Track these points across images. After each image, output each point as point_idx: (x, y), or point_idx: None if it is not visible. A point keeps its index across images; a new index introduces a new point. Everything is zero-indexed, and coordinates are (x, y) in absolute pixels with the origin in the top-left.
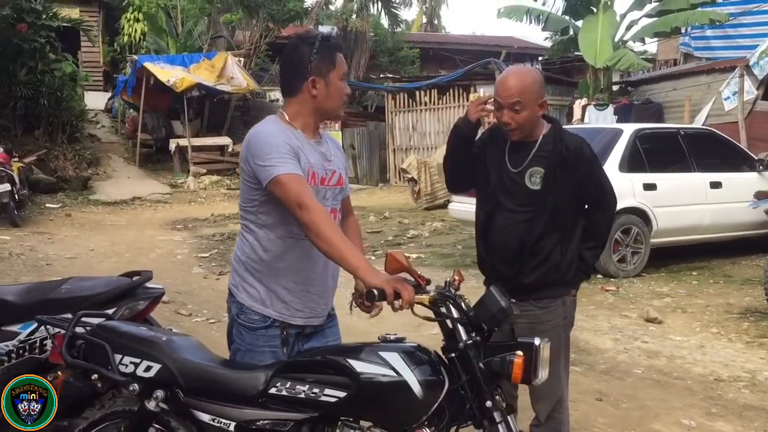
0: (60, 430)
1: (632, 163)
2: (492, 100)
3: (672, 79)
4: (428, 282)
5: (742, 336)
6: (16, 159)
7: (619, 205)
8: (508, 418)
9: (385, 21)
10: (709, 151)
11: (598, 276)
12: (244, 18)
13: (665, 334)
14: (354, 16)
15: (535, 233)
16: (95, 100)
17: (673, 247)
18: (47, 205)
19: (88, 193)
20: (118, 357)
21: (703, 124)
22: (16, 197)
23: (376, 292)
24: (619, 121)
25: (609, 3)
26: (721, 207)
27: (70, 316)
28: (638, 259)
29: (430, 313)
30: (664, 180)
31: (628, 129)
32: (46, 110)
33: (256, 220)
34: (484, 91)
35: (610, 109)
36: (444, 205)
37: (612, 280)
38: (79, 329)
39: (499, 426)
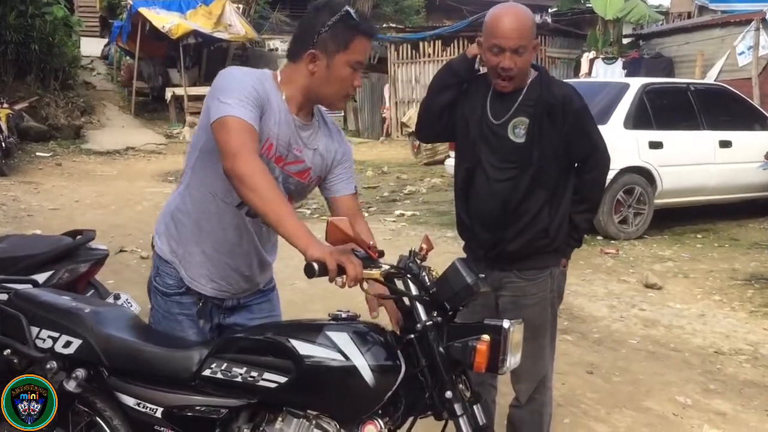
0: None
1: (638, 119)
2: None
3: (684, 32)
4: (381, 254)
5: (745, 305)
6: (4, 106)
7: (623, 164)
8: (474, 408)
9: None
10: (720, 109)
11: (598, 237)
12: None
13: (664, 301)
14: None
15: (519, 192)
16: (91, 47)
17: (678, 209)
18: (37, 153)
19: (81, 142)
20: (35, 330)
21: (715, 80)
22: (3, 145)
23: (315, 266)
24: (628, 75)
25: None
26: (730, 167)
27: None
28: (641, 220)
29: (385, 290)
30: (671, 138)
31: (635, 84)
32: (37, 56)
33: (195, 166)
34: None
35: (619, 63)
36: (444, 161)
37: (612, 242)
38: (1, 296)
39: (460, 420)
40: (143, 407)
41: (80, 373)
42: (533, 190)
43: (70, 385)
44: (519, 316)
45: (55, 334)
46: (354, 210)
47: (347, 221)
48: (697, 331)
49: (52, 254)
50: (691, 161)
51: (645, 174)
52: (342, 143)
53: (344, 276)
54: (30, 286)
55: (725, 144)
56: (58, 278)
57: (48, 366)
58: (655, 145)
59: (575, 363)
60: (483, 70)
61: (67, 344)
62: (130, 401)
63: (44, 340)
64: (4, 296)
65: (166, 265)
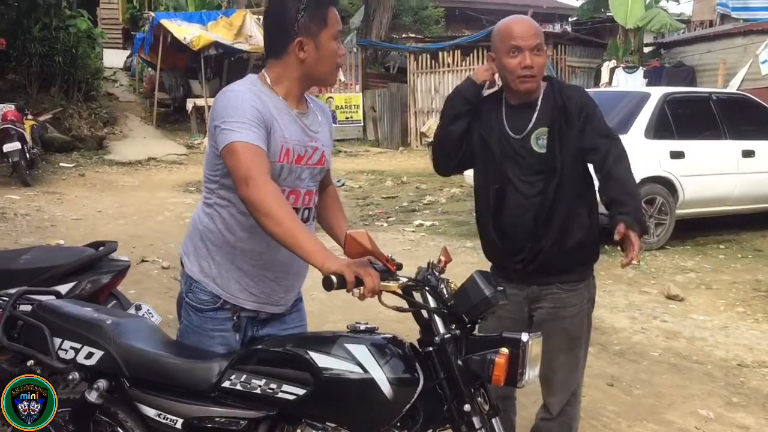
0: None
1: (659, 129)
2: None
3: (706, 40)
4: (399, 266)
5: None
6: (29, 117)
7: (644, 174)
8: (493, 421)
9: None
10: (743, 118)
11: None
12: None
13: (687, 312)
14: None
15: (548, 201)
16: (114, 58)
17: (701, 219)
18: (61, 164)
19: (103, 153)
20: (57, 341)
21: (737, 89)
22: (28, 156)
23: (334, 279)
24: (649, 84)
25: None
26: (754, 177)
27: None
28: (662, 231)
29: (403, 302)
30: (693, 147)
31: (656, 93)
32: (61, 68)
33: (218, 191)
34: None
35: (640, 71)
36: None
37: None
38: (25, 307)
39: None
40: (164, 418)
41: (102, 383)
42: (562, 196)
43: (92, 396)
44: (558, 328)
45: (78, 345)
46: (329, 179)
47: (366, 235)
48: (720, 344)
49: (75, 265)
50: (713, 171)
51: (666, 184)
52: (326, 119)
53: (362, 288)
54: (53, 297)
55: (748, 153)
56: (80, 289)
57: (70, 377)
58: (677, 155)
59: (596, 375)
60: (488, 92)
61: (89, 355)
62: (150, 412)
63: (67, 351)
64: (27, 307)
65: (198, 283)
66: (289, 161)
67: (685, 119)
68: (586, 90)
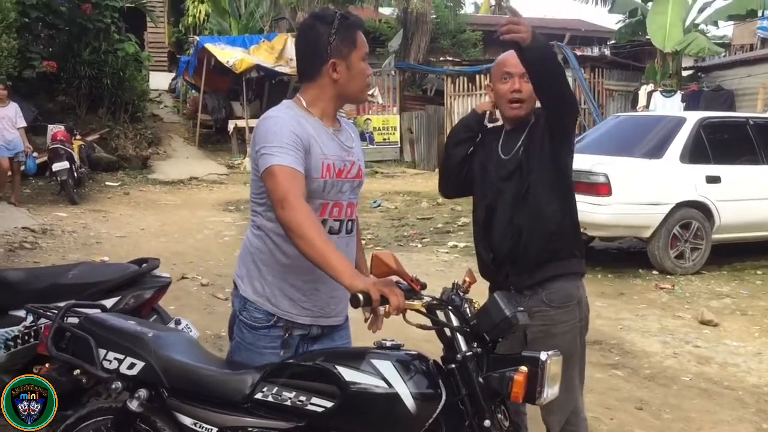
0: (50, 424)
1: (695, 153)
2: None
3: (746, 64)
4: (423, 286)
5: None
6: (77, 137)
7: (679, 198)
8: None
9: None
10: None
11: (653, 272)
12: None
13: (720, 338)
14: None
15: (521, 189)
16: (160, 81)
17: (738, 244)
18: (107, 183)
19: (147, 172)
20: (102, 352)
21: None
22: (75, 175)
23: (361, 297)
24: (686, 108)
25: None
26: None
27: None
28: (698, 255)
29: (426, 321)
30: (730, 172)
31: (692, 117)
32: (109, 90)
33: (265, 213)
34: None
35: (678, 95)
36: None
37: (668, 277)
38: (73, 320)
39: None
40: (200, 427)
41: (143, 393)
42: (533, 186)
43: (133, 405)
44: (549, 346)
45: (121, 356)
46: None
47: (392, 255)
48: (753, 370)
49: (119, 281)
50: (750, 196)
51: (702, 208)
52: (356, 137)
53: (387, 305)
54: (99, 310)
55: None
56: (124, 304)
57: (113, 386)
58: (713, 180)
59: (625, 399)
60: (491, 125)
61: (132, 366)
62: (187, 421)
63: (111, 361)
64: (75, 320)
65: (252, 303)
66: (331, 176)
67: (721, 144)
68: (625, 114)
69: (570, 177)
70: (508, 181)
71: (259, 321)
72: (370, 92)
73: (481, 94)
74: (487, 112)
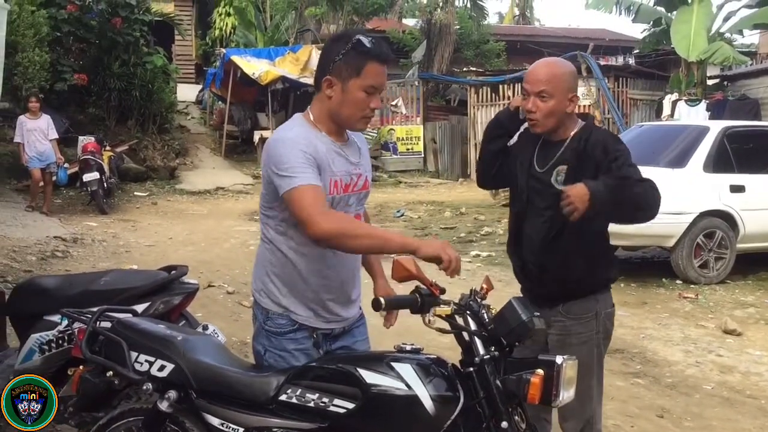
0: (83, 424)
1: (719, 163)
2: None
3: None
4: (443, 291)
5: None
6: (107, 148)
7: (702, 208)
8: None
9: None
10: None
11: (677, 282)
12: (329, 11)
13: (743, 347)
14: (439, 9)
15: (552, 231)
16: (187, 93)
17: (764, 254)
18: (135, 193)
19: (175, 183)
20: (134, 355)
21: None
22: (105, 185)
23: (382, 301)
24: (711, 117)
25: None
26: None
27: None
28: (722, 265)
29: (446, 325)
30: (754, 181)
31: (716, 127)
32: (137, 102)
33: (276, 226)
34: None
35: (703, 104)
36: None
37: (692, 286)
38: (105, 324)
39: None
40: (227, 427)
41: (172, 394)
42: (566, 231)
43: (163, 405)
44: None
45: (152, 359)
46: (367, 216)
47: (412, 260)
48: None
49: (149, 287)
50: None
51: (726, 218)
52: (364, 147)
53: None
54: (130, 315)
55: None
56: (154, 309)
57: (144, 387)
58: (737, 189)
59: (646, 407)
60: (523, 118)
61: (162, 368)
62: (215, 421)
63: (142, 363)
64: (107, 324)
65: (274, 313)
66: (339, 192)
67: (745, 153)
68: (648, 124)
69: None
70: (538, 195)
71: (284, 327)
72: (393, 103)
73: (504, 104)
74: (520, 108)
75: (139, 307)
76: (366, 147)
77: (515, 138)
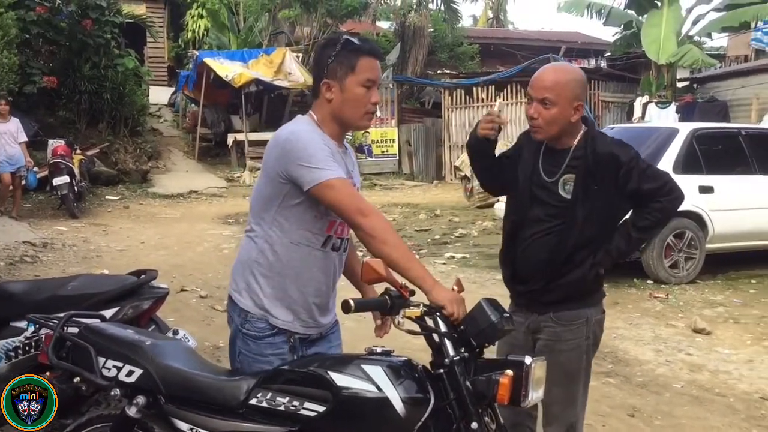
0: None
1: (688, 164)
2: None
3: (740, 76)
4: (412, 293)
5: None
6: (77, 152)
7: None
8: None
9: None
10: None
11: (648, 281)
12: (302, 14)
13: (712, 346)
14: (412, 12)
15: (566, 248)
16: (159, 95)
17: (733, 254)
18: (107, 197)
19: (147, 186)
20: (101, 360)
21: None
22: (76, 189)
23: (352, 303)
24: (681, 119)
25: None
26: None
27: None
28: (692, 265)
29: (416, 326)
30: (722, 182)
31: (685, 129)
32: (108, 104)
33: (273, 222)
34: None
35: (673, 107)
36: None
37: (663, 286)
38: (73, 329)
39: None
40: None
41: (140, 399)
42: (578, 246)
43: (131, 411)
44: (553, 361)
45: (120, 364)
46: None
47: (381, 262)
48: (744, 377)
49: (118, 292)
50: (743, 206)
51: (695, 218)
52: (355, 160)
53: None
54: (98, 320)
55: None
56: (123, 314)
57: (112, 393)
58: (706, 190)
59: (617, 406)
60: (500, 154)
61: (130, 373)
62: (184, 426)
63: (110, 369)
64: (74, 329)
65: (253, 315)
66: None
67: (714, 154)
68: (619, 126)
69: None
70: (541, 204)
71: (263, 330)
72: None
73: (478, 107)
74: (490, 140)
75: (108, 312)
76: (356, 162)
77: (514, 142)
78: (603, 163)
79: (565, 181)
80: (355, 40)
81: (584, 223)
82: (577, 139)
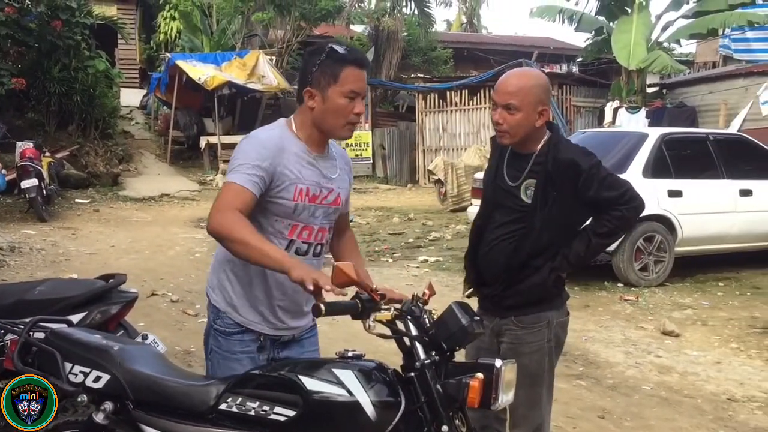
0: None
1: (657, 169)
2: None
3: (708, 82)
4: (383, 297)
5: (762, 352)
6: (46, 154)
7: (643, 212)
8: None
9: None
10: (740, 158)
11: (618, 284)
12: (276, 17)
13: (681, 348)
14: (386, 16)
15: (522, 254)
16: (131, 98)
17: (701, 257)
18: (77, 200)
19: (118, 189)
20: (68, 366)
21: (739, 129)
22: (44, 192)
23: (322, 307)
24: (651, 124)
25: (644, 3)
26: (752, 216)
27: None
28: (661, 268)
29: (387, 330)
30: (691, 187)
31: (654, 134)
32: (79, 107)
33: None
34: None
35: (643, 112)
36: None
37: (633, 289)
38: (39, 335)
39: None
40: None
41: (108, 405)
42: (535, 252)
43: (99, 417)
44: (517, 363)
45: (87, 370)
46: (347, 225)
47: (351, 266)
48: (712, 378)
49: (86, 296)
50: (711, 210)
51: (665, 222)
52: (346, 165)
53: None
54: (65, 325)
55: (746, 193)
56: (91, 319)
57: (79, 399)
58: (675, 194)
59: (588, 408)
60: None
61: (97, 379)
62: None
63: (77, 375)
64: (41, 335)
65: (224, 313)
66: (303, 200)
67: (682, 159)
68: (591, 131)
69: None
70: (503, 208)
71: (232, 327)
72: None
73: (451, 111)
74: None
75: (76, 317)
76: (349, 168)
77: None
78: (563, 169)
79: (527, 185)
80: (340, 49)
81: (542, 228)
82: (540, 145)
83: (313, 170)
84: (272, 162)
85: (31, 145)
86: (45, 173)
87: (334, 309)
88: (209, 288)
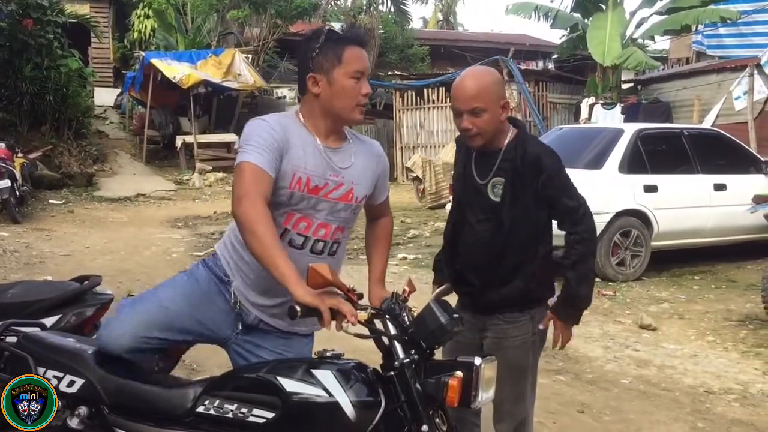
0: None
1: (633, 164)
2: None
3: (682, 77)
4: (360, 296)
5: (738, 345)
6: (19, 155)
7: (618, 207)
8: None
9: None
10: (714, 153)
11: (596, 279)
12: (251, 14)
13: (658, 341)
14: (363, 13)
15: (495, 251)
16: (105, 97)
17: (677, 251)
18: (50, 201)
19: (93, 189)
20: (41, 370)
21: (712, 124)
22: (17, 193)
23: (298, 309)
24: (626, 120)
25: (618, 0)
26: (726, 210)
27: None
28: (638, 262)
29: (365, 330)
30: (666, 182)
31: (629, 129)
32: (52, 106)
33: None
34: None
35: (618, 108)
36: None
37: (610, 284)
38: (11, 339)
39: None
40: None
41: (83, 410)
42: (507, 249)
43: (73, 423)
44: (501, 358)
45: (60, 374)
46: (387, 211)
47: (327, 267)
48: (689, 371)
49: (60, 299)
50: (686, 204)
51: (641, 217)
52: (381, 155)
53: (340, 318)
54: (38, 329)
55: (720, 187)
56: (65, 322)
57: None
58: (650, 189)
59: (567, 403)
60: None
61: (71, 383)
62: None
63: (50, 379)
64: (13, 338)
65: (220, 260)
66: (301, 189)
67: (658, 154)
68: (567, 126)
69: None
70: (474, 206)
71: (221, 270)
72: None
73: (428, 108)
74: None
75: (50, 320)
76: (378, 160)
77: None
78: (528, 165)
79: (494, 183)
80: (339, 29)
81: (511, 226)
82: (507, 140)
83: (319, 158)
84: (282, 143)
85: (3, 145)
86: (18, 174)
87: (311, 311)
88: (217, 248)
